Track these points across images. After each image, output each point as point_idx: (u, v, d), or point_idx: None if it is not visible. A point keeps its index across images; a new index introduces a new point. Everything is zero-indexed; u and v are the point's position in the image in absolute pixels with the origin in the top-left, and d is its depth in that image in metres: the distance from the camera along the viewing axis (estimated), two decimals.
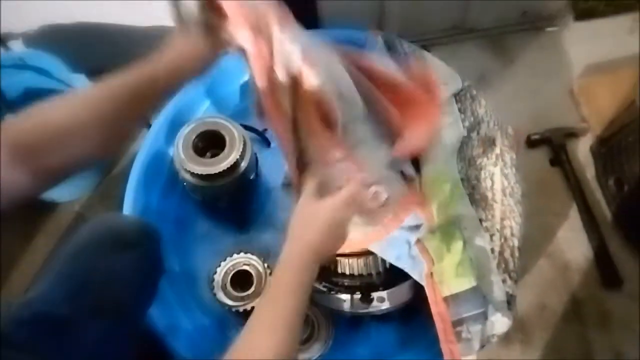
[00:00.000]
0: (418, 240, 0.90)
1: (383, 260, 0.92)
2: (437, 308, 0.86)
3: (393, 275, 0.93)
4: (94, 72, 1.15)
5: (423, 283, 0.87)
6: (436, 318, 0.85)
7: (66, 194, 1.22)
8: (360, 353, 1.03)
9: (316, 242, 0.67)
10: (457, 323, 0.85)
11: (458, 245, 0.90)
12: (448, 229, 0.91)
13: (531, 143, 1.34)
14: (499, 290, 0.86)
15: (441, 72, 1.11)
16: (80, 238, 0.73)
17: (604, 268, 1.18)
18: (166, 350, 0.92)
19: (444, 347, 0.85)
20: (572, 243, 1.23)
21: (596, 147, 1.32)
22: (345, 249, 0.82)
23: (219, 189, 1.04)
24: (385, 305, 0.91)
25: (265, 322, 0.61)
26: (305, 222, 0.70)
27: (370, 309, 0.91)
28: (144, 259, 0.76)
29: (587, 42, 1.49)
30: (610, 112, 1.32)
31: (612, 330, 1.13)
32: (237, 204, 1.14)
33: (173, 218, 1.12)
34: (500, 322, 0.85)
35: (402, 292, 0.92)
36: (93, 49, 1.23)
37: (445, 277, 0.87)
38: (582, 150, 1.34)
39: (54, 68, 1.15)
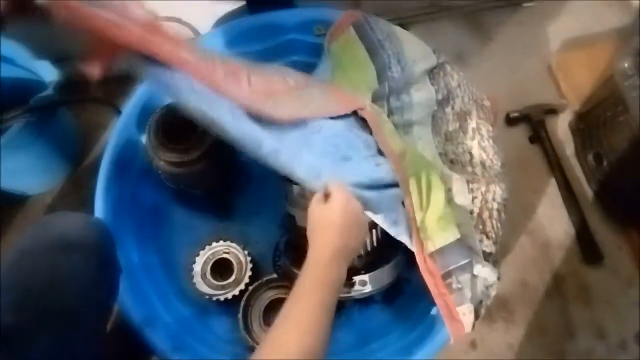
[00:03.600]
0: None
1: (364, 244, 0.91)
2: (425, 265, 0.86)
3: (375, 258, 0.92)
4: (59, 59, 1.11)
5: (413, 247, 0.87)
6: (425, 274, 0.85)
7: (36, 186, 1.18)
8: (344, 338, 1.03)
9: (334, 239, 0.71)
10: (445, 276, 0.86)
11: (439, 194, 0.90)
12: (426, 178, 0.91)
13: (510, 121, 1.33)
14: (478, 245, 0.89)
15: (417, 49, 1.09)
16: (22, 244, 0.68)
17: (585, 244, 1.19)
18: (144, 343, 0.89)
19: (437, 300, 0.85)
20: (553, 220, 1.23)
21: (575, 123, 1.32)
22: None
23: (194, 176, 1.01)
24: (368, 289, 0.90)
25: (289, 318, 0.63)
26: (320, 224, 0.74)
27: (352, 293, 0.89)
28: (92, 259, 0.70)
29: (564, 17, 1.48)
30: (588, 87, 1.31)
31: (593, 305, 1.14)
32: (215, 191, 1.12)
33: (149, 207, 1.09)
34: (485, 271, 0.87)
35: (384, 275, 0.91)
36: (56, 34, 1.18)
37: (429, 233, 0.87)
38: (561, 127, 1.34)
39: (17, 55, 1.10)
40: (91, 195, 0.98)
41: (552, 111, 1.34)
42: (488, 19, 1.48)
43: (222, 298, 1.00)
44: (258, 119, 0.87)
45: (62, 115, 1.17)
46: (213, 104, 0.82)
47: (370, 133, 0.98)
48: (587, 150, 1.26)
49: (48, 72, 1.07)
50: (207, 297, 1.00)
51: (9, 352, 0.57)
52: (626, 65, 1.13)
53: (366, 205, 0.83)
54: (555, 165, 1.27)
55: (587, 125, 1.27)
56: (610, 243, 1.19)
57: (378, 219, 0.85)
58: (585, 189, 1.26)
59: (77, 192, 1.20)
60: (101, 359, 0.72)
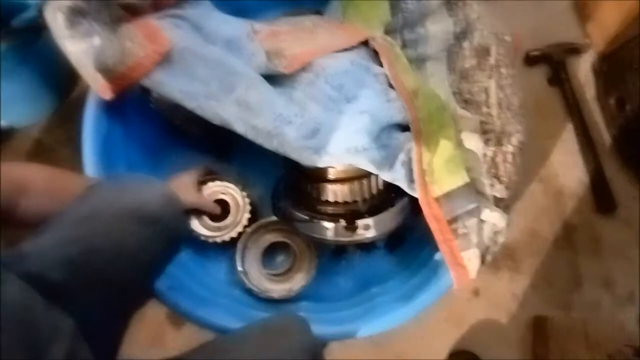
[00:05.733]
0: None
1: (369, 187, 0.87)
2: (430, 210, 0.82)
3: (379, 202, 0.87)
4: None
5: (414, 191, 0.82)
6: (429, 219, 0.82)
7: (21, 117, 1.12)
8: (344, 283, 1.01)
9: None
10: (451, 221, 0.83)
11: (450, 136, 0.85)
12: (437, 117, 0.87)
13: (529, 60, 1.25)
14: (489, 190, 0.85)
15: None
16: (94, 201, 0.65)
17: (599, 192, 1.14)
18: None
19: (442, 246, 0.83)
20: (567, 167, 1.18)
21: (598, 65, 1.24)
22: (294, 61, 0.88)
23: None
24: (371, 234, 0.86)
25: None
26: None
27: (355, 237, 0.86)
28: (162, 236, 0.68)
29: None
30: (614, 27, 1.22)
31: (603, 257, 1.11)
32: (213, 129, 1.06)
33: (142, 147, 1.03)
34: (494, 217, 0.83)
35: (388, 219, 0.87)
36: None
37: (436, 176, 0.83)
38: (583, 69, 1.26)
39: None
40: (79, 130, 0.92)
41: (575, 51, 1.26)
42: None
43: (219, 240, 0.97)
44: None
45: (47, 41, 1.09)
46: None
47: (382, 66, 0.91)
48: (609, 94, 1.19)
49: None
50: (203, 238, 0.97)
51: (49, 305, 0.54)
52: None
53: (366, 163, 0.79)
54: (574, 109, 1.20)
55: (611, 67, 1.19)
56: (626, 193, 1.15)
57: (371, 167, 0.81)
58: (604, 136, 1.20)
59: (65, 126, 1.14)
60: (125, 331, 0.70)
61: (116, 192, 0.66)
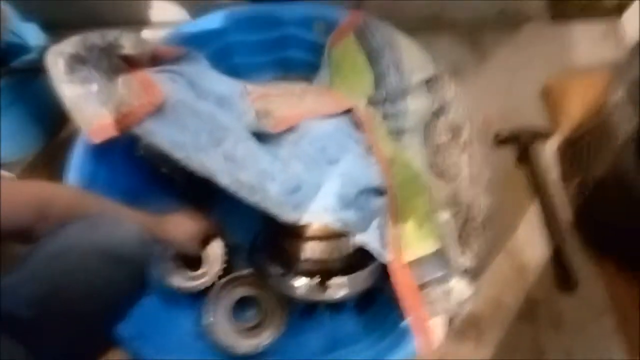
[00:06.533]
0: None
1: (346, 246, 0.89)
2: (400, 275, 0.85)
3: (354, 261, 0.90)
4: (49, 24, 1.06)
5: (383, 258, 0.86)
6: (399, 285, 0.85)
7: (7, 152, 1.12)
8: (314, 341, 1.01)
9: None
10: (420, 287, 0.86)
11: (422, 204, 0.89)
12: (411, 185, 0.92)
13: (499, 140, 1.33)
14: (458, 259, 0.89)
15: (416, 58, 1.09)
16: (66, 237, 0.63)
17: (560, 270, 1.19)
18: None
19: (409, 312, 0.85)
20: (532, 243, 1.22)
21: (563, 148, 1.32)
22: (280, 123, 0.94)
23: None
24: (344, 292, 0.88)
25: None
26: None
27: (327, 296, 0.87)
28: (132, 278, 0.67)
29: (561, 44, 1.49)
30: (579, 115, 1.32)
31: (564, 332, 1.13)
32: (197, 177, 1.08)
33: (124, 191, 1.04)
34: (460, 286, 0.87)
35: (361, 279, 0.90)
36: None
37: (408, 241, 0.86)
38: (549, 151, 1.34)
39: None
40: (64, 170, 0.94)
41: (541, 135, 1.34)
42: (487, 38, 1.48)
43: (193, 290, 0.97)
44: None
45: (43, 83, 1.12)
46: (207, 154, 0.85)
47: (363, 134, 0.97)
48: (572, 177, 1.27)
49: (34, 36, 1.03)
50: (175, 288, 0.96)
51: (18, 342, 0.54)
52: (619, 94, 1.14)
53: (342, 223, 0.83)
54: (540, 188, 1.27)
55: (574, 152, 1.27)
56: (586, 272, 1.19)
57: (346, 228, 0.85)
58: (567, 215, 1.26)
59: (49, 165, 1.15)
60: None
61: (88, 230, 0.65)
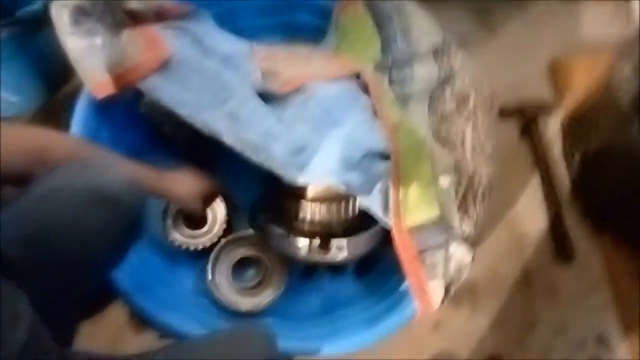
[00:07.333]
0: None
1: (346, 209, 0.90)
2: (401, 239, 0.86)
3: (354, 225, 0.90)
4: None
5: (388, 218, 0.86)
6: (400, 248, 0.86)
7: (9, 107, 1.12)
8: (313, 302, 1.02)
9: None
10: (420, 252, 0.86)
11: (425, 171, 0.90)
12: (415, 152, 0.92)
13: (504, 112, 1.32)
14: (457, 226, 0.89)
15: (424, 25, 1.08)
16: (54, 179, 0.63)
17: (558, 241, 1.20)
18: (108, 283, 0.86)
19: (409, 275, 0.86)
20: (531, 215, 1.23)
21: (566, 123, 1.32)
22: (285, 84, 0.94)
23: None
24: (343, 255, 0.89)
25: None
26: None
27: (328, 257, 0.88)
28: (122, 220, 0.67)
29: (570, 21, 1.47)
30: (584, 90, 1.31)
31: (558, 303, 1.15)
32: (199, 137, 1.08)
33: (128, 149, 1.03)
34: (460, 252, 0.87)
35: (361, 242, 0.91)
36: None
37: (410, 207, 0.87)
38: (553, 126, 1.34)
39: None
40: (66, 127, 0.93)
41: (546, 109, 1.34)
42: (497, 12, 1.46)
43: (192, 247, 0.98)
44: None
45: (47, 35, 1.10)
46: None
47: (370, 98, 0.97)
48: (573, 152, 1.27)
49: None
50: (177, 244, 0.97)
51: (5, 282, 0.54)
52: (625, 73, 1.13)
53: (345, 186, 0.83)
54: (541, 161, 1.27)
55: (577, 127, 1.27)
56: (584, 245, 1.20)
57: (349, 190, 0.85)
58: (566, 189, 1.27)
59: (51, 121, 1.14)
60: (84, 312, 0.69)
61: (77, 172, 0.65)
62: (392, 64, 1.06)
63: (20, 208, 0.61)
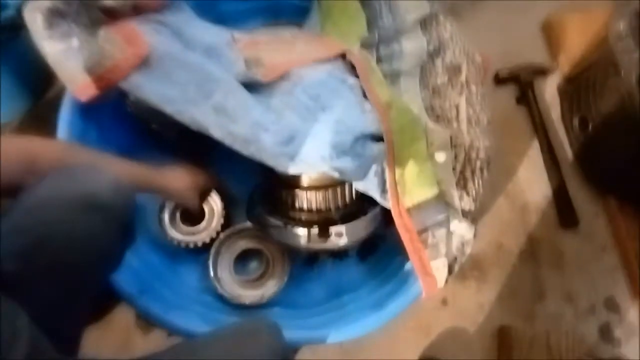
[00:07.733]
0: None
1: (342, 195, 0.89)
2: (401, 220, 0.85)
3: (352, 210, 0.89)
4: None
5: (386, 201, 0.84)
6: (400, 229, 0.85)
7: None
8: (317, 289, 1.02)
9: None
10: (421, 231, 0.86)
11: (421, 149, 0.88)
12: (409, 130, 0.90)
13: (498, 80, 1.30)
14: (457, 202, 0.88)
15: None
16: (43, 190, 0.63)
17: (562, 208, 1.18)
18: (111, 287, 0.85)
19: (411, 256, 0.85)
20: (532, 183, 1.22)
21: (563, 86, 1.29)
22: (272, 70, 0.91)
23: None
24: (343, 241, 0.88)
25: None
26: None
27: (328, 245, 0.87)
28: (113, 224, 0.66)
29: None
30: (580, 51, 1.28)
31: (565, 270, 1.14)
32: (190, 133, 1.06)
33: (117, 149, 1.02)
34: (461, 229, 0.86)
35: (360, 227, 0.89)
36: None
37: (407, 187, 0.86)
38: (550, 90, 1.31)
39: None
40: (53, 132, 0.91)
41: (542, 72, 1.31)
42: None
43: (191, 244, 0.97)
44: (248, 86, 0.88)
45: (24, 41, 1.08)
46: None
47: (358, 78, 0.94)
48: (573, 115, 1.24)
49: None
50: (176, 242, 0.97)
51: (6, 296, 0.53)
52: (621, 27, 1.10)
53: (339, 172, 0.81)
54: (540, 128, 1.25)
55: (575, 89, 1.25)
56: (587, 209, 1.19)
57: (344, 176, 0.83)
58: (568, 154, 1.25)
59: (37, 128, 1.12)
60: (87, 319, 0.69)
61: (64, 180, 0.64)
62: (379, 40, 1.03)
63: (12, 221, 0.61)
